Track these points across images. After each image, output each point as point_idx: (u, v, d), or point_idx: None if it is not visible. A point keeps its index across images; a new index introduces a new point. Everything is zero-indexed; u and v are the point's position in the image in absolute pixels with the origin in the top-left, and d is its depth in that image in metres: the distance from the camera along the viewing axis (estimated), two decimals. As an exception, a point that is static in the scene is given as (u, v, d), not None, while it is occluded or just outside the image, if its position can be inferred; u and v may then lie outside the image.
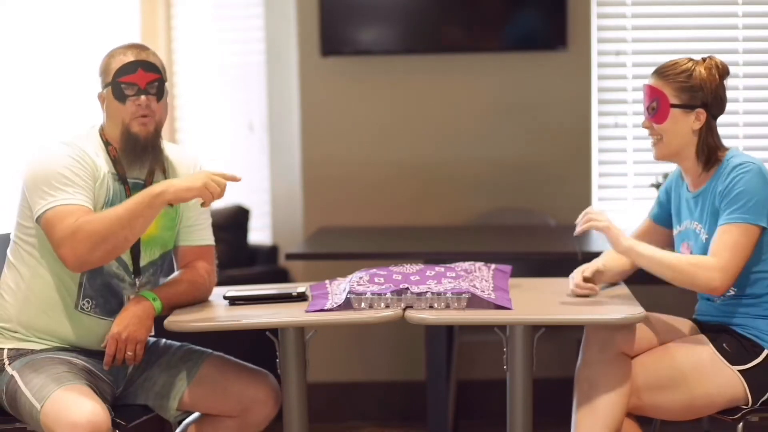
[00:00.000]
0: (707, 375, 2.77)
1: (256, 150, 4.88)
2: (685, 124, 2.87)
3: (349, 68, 4.63)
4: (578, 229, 2.89)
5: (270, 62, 4.77)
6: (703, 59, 2.91)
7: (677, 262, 2.79)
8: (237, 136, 4.96)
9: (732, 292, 2.85)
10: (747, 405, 2.78)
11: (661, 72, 2.90)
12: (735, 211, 2.76)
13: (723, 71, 2.90)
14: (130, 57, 2.83)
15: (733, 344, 2.81)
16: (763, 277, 2.84)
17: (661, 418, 2.85)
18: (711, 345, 2.80)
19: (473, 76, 4.61)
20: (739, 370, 2.77)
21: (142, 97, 2.81)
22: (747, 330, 2.83)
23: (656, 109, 2.87)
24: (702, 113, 2.86)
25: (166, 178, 2.90)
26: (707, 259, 2.75)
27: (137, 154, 2.82)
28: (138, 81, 2.81)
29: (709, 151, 2.87)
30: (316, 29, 4.58)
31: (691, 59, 2.91)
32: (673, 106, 2.86)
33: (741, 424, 2.80)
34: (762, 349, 2.80)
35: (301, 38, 4.61)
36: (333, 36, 4.57)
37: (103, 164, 2.82)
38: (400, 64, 4.62)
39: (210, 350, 2.96)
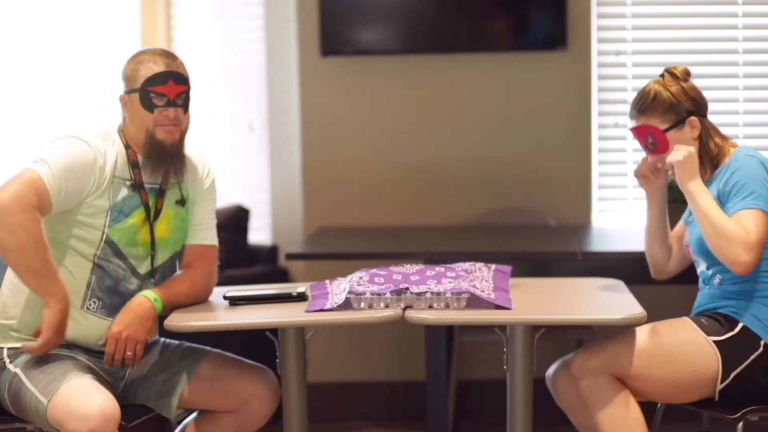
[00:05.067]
0: (686, 345, 2.80)
1: (256, 150, 4.88)
2: (686, 139, 2.95)
3: (349, 68, 4.63)
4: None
5: (270, 62, 4.77)
6: (662, 76, 2.99)
7: (722, 224, 2.78)
8: (237, 136, 4.96)
9: (718, 280, 2.91)
10: (716, 381, 2.79)
11: (639, 109, 2.98)
12: (755, 198, 2.79)
13: (684, 74, 2.98)
14: (161, 66, 2.81)
15: (711, 320, 2.87)
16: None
17: (647, 394, 2.85)
18: (690, 320, 2.86)
19: (473, 75, 4.61)
20: (714, 341, 2.80)
21: (171, 109, 2.81)
22: (728, 309, 2.87)
23: (655, 144, 2.96)
24: (694, 120, 2.94)
25: (179, 181, 2.90)
26: (744, 234, 2.75)
27: (162, 159, 2.82)
28: (168, 92, 2.80)
29: (715, 146, 2.94)
30: (316, 29, 4.58)
31: (651, 83, 2.98)
32: (666, 130, 2.94)
33: (741, 423, 2.80)
34: (737, 323, 2.83)
35: (301, 38, 4.61)
36: (333, 36, 4.57)
37: (114, 169, 2.80)
38: (400, 64, 4.62)
39: (209, 348, 2.96)
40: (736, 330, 2.82)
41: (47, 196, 2.68)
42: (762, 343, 2.81)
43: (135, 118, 2.83)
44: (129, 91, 2.84)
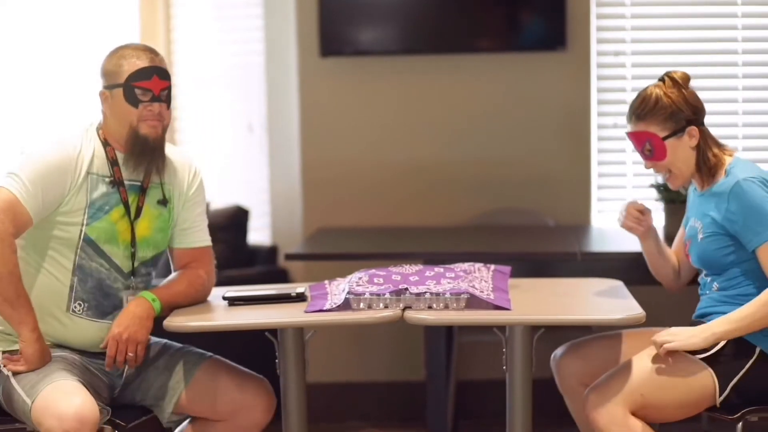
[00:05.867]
0: (678, 369, 2.77)
1: (256, 150, 4.88)
2: (684, 147, 2.91)
3: (349, 69, 4.63)
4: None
5: (269, 63, 4.77)
6: (662, 80, 2.93)
7: (756, 310, 2.74)
8: (236, 137, 4.96)
9: (716, 287, 2.90)
10: (715, 394, 2.77)
11: (637, 114, 2.93)
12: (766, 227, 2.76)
13: (685, 80, 2.93)
14: (145, 61, 2.81)
15: None
16: (744, 275, 2.85)
17: (656, 418, 2.84)
18: None
19: (473, 76, 4.61)
20: (701, 359, 2.78)
21: (155, 104, 2.80)
22: (720, 316, 2.84)
23: (652, 150, 2.91)
24: (693, 129, 2.90)
25: (161, 179, 2.89)
26: None
27: (145, 155, 2.81)
28: (152, 87, 2.80)
29: (713, 156, 2.90)
30: (316, 29, 4.58)
31: (652, 87, 2.93)
32: (666, 138, 2.89)
33: (741, 423, 2.80)
34: None
35: (301, 38, 4.61)
36: (332, 36, 4.57)
37: (91, 165, 2.79)
38: (399, 64, 4.62)
39: (209, 353, 2.95)
40: (723, 343, 2.78)
41: (24, 214, 2.68)
42: (756, 349, 2.79)
43: (117, 114, 2.82)
44: (110, 86, 2.82)
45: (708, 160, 2.91)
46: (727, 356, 2.79)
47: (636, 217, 3.05)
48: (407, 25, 4.60)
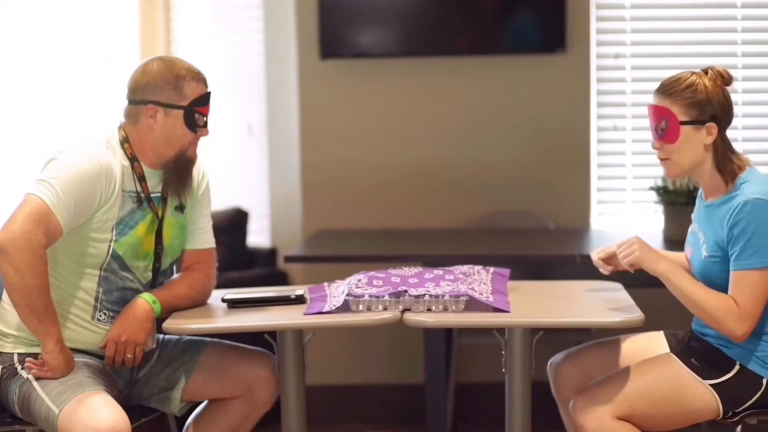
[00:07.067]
0: (682, 388, 2.75)
1: (256, 153, 4.88)
2: (697, 141, 2.77)
3: (349, 71, 4.63)
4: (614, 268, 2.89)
5: (269, 65, 4.78)
6: (705, 71, 2.80)
7: (705, 304, 2.70)
8: (236, 139, 4.95)
9: None
10: (716, 415, 2.76)
11: (666, 90, 2.79)
12: (753, 255, 2.67)
13: (728, 80, 2.80)
14: (203, 87, 2.85)
15: (702, 358, 2.80)
16: None
17: (651, 427, 2.82)
18: (679, 361, 2.79)
19: (472, 79, 4.61)
20: (711, 384, 2.75)
21: (206, 129, 2.87)
22: (721, 342, 2.81)
23: (666, 130, 2.77)
24: (713, 127, 2.76)
25: (185, 193, 2.91)
26: (733, 308, 2.67)
27: (188, 177, 2.85)
28: (207, 113, 2.87)
29: (727, 163, 2.78)
30: (316, 32, 4.58)
31: (693, 72, 2.80)
32: (683, 123, 2.76)
33: (740, 427, 2.80)
34: (734, 362, 2.77)
35: (301, 41, 4.62)
36: (332, 39, 4.57)
37: (122, 182, 2.78)
38: (399, 66, 4.62)
39: (208, 338, 2.96)
40: (734, 371, 2.76)
41: (55, 223, 2.65)
42: (764, 380, 2.74)
43: (170, 134, 2.81)
44: (168, 105, 2.80)
45: (730, 162, 2.78)
46: (734, 386, 2.75)
47: (607, 265, 2.97)
48: (407, 28, 4.60)
